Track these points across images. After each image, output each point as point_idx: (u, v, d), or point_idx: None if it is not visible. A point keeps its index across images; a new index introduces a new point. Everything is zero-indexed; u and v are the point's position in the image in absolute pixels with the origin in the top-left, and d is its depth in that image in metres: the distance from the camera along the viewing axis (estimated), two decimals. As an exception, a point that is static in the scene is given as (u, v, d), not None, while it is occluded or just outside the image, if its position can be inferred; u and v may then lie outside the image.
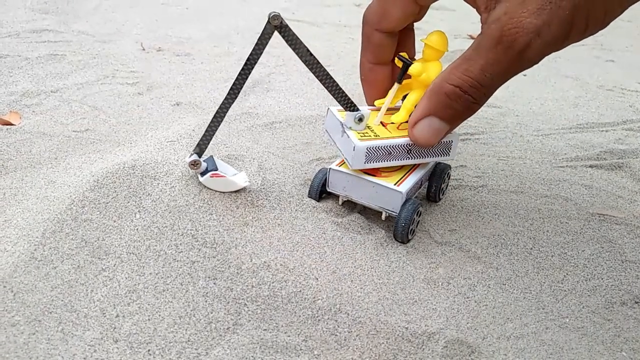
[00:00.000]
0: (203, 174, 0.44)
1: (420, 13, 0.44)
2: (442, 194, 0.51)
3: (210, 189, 0.44)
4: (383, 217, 0.46)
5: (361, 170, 0.45)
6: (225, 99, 0.41)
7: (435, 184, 0.49)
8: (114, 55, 0.87)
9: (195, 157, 0.43)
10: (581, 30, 0.32)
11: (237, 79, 0.41)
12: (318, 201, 0.47)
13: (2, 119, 0.60)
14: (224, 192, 0.44)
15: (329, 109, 0.47)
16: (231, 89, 0.41)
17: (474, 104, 0.34)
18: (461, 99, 0.34)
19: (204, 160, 0.44)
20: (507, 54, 0.32)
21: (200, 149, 0.43)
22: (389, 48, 0.44)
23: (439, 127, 0.36)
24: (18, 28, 0.97)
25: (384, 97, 0.47)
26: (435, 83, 0.35)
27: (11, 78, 0.73)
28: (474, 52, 0.33)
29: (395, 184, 0.43)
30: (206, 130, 0.43)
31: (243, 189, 0.45)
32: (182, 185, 0.43)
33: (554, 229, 0.49)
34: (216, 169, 0.44)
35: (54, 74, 0.76)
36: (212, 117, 0.42)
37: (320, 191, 0.47)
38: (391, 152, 0.43)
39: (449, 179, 0.52)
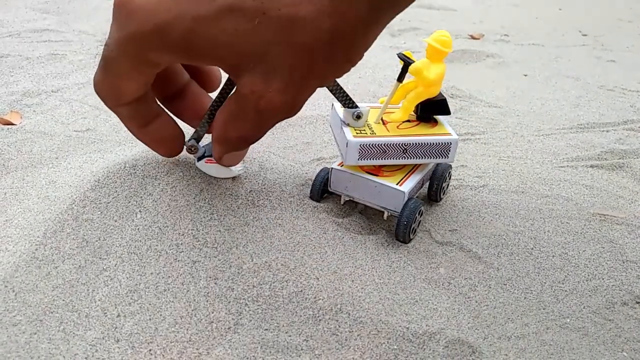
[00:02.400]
0: (200, 159, 0.44)
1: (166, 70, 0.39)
2: (443, 194, 0.51)
3: (209, 175, 0.44)
4: (385, 216, 0.46)
5: (363, 169, 0.45)
6: (222, 88, 0.41)
7: (436, 184, 0.49)
8: (114, 55, 0.87)
9: (193, 142, 0.43)
10: (330, 79, 0.35)
11: None
12: (319, 201, 0.47)
13: (3, 119, 0.60)
14: (222, 185, 0.44)
15: (333, 104, 0.47)
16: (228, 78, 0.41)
17: (255, 140, 0.38)
18: (244, 142, 0.37)
19: (204, 146, 0.45)
20: (270, 120, 0.35)
21: (198, 134, 0.43)
22: (147, 107, 0.37)
23: (236, 154, 0.40)
24: (19, 28, 0.97)
25: (177, 149, 0.41)
26: (219, 134, 0.37)
27: (12, 78, 0.73)
28: (240, 112, 0.35)
29: (397, 184, 0.43)
30: (204, 117, 0.43)
31: (243, 188, 0.45)
32: (183, 185, 0.43)
33: (554, 229, 0.49)
34: (212, 155, 0.45)
35: (54, 73, 0.76)
36: (210, 104, 0.42)
37: (322, 191, 0.47)
38: (386, 151, 0.43)
39: (450, 178, 0.52)
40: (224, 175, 0.45)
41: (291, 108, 0.34)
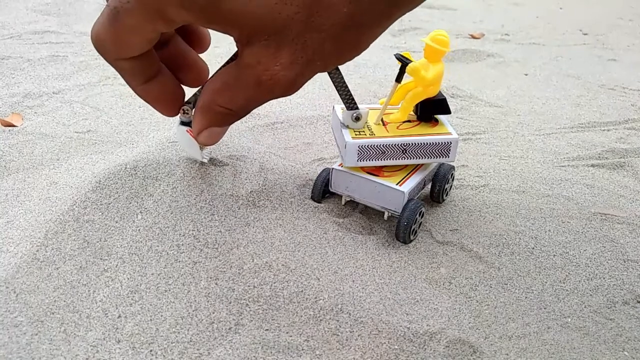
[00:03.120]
0: (184, 124, 0.43)
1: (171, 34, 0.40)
2: (446, 195, 0.51)
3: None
4: (385, 217, 0.46)
5: (364, 170, 0.45)
6: (229, 60, 0.41)
7: (438, 184, 0.49)
8: (115, 56, 0.87)
9: (189, 107, 0.42)
10: (333, 65, 0.35)
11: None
12: (320, 202, 0.47)
13: (4, 121, 0.60)
14: (223, 185, 0.44)
15: (334, 106, 0.47)
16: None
17: (240, 117, 0.38)
18: (230, 116, 0.37)
19: None
20: (266, 95, 0.35)
21: (196, 98, 0.42)
22: (148, 64, 0.37)
23: (217, 131, 0.40)
24: (20, 29, 0.97)
25: (177, 108, 0.41)
26: (205, 102, 0.37)
27: (13, 79, 0.73)
28: (235, 82, 0.35)
29: (397, 184, 0.43)
30: (203, 85, 0.42)
31: (244, 188, 0.45)
32: (184, 186, 0.43)
33: (555, 229, 0.49)
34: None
35: (55, 75, 0.77)
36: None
37: (323, 191, 0.47)
38: (385, 152, 0.43)
39: (453, 180, 0.51)
40: (191, 154, 0.44)
41: (291, 86, 0.34)
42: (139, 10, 0.32)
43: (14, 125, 0.60)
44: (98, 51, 0.35)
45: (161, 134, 0.58)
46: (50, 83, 0.73)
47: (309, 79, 0.35)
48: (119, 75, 0.38)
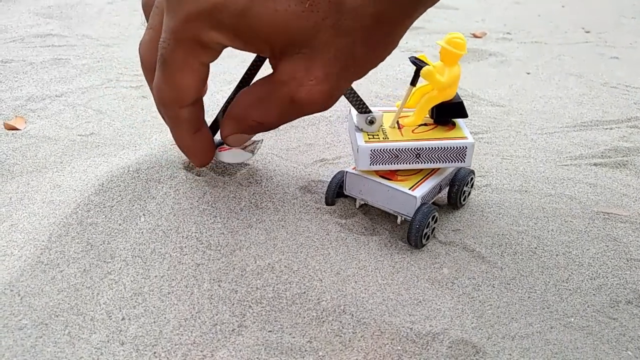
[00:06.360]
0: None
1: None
2: (464, 200, 0.50)
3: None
4: (399, 221, 0.46)
5: (377, 173, 0.45)
6: (249, 68, 0.41)
7: (456, 188, 0.48)
8: (117, 59, 0.87)
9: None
10: (367, 70, 0.35)
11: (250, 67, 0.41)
12: (334, 204, 0.47)
13: (7, 124, 0.61)
14: (225, 187, 0.44)
15: (350, 109, 0.47)
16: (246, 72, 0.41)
17: (271, 129, 0.39)
18: (260, 127, 0.38)
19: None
20: (300, 111, 0.35)
21: (217, 119, 0.43)
22: (201, 113, 0.39)
23: (245, 137, 0.41)
24: (22, 33, 0.97)
25: (212, 156, 0.43)
26: (239, 115, 0.37)
27: (16, 83, 0.74)
28: (270, 98, 0.35)
29: (410, 189, 0.43)
30: (222, 109, 0.43)
31: (246, 190, 0.45)
32: (187, 188, 0.43)
33: (558, 228, 0.49)
34: (222, 143, 0.44)
35: (58, 78, 0.77)
36: (226, 99, 0.43)
37: (337, 194, 0.47)
38: (398, 156, 0.43)
39: (472, 185, 0.50)
40: (238, 160, 0.45)
41: (328, 99, 0.34)
42: (178, 45, 0.33)
43: (17, 129, 0.60)
44: (162, 105, 0.37)
45: (164, 136, 0.58)
46: (53, 86, 0.74)
47: (343, 89, 0.35)
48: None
